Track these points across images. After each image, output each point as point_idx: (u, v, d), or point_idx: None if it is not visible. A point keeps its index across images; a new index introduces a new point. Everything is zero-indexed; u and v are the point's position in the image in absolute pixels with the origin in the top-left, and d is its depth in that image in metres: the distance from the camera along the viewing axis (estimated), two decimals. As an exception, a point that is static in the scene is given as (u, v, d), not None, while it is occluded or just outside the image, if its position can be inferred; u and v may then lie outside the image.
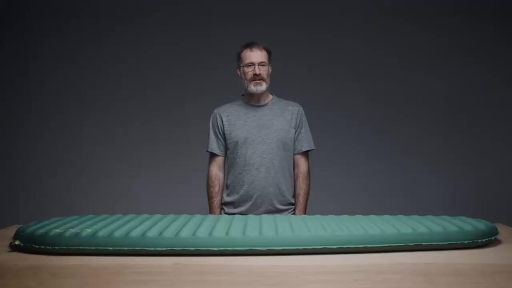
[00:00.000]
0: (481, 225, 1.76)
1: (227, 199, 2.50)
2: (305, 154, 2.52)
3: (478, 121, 4.08)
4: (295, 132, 2.48)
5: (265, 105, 2.49)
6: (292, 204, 2.50)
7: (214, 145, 2.50)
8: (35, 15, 4.17)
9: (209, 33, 4.13)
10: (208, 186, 2.50)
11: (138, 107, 4.15)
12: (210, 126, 2.53)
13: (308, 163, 2.53)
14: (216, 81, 3.99)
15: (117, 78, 4.16)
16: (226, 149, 2.51)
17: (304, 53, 4.11)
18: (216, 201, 2.48)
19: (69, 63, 4.16)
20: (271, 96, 2.54)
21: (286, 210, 2.48)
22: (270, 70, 2.48)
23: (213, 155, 2.51)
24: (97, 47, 4.16)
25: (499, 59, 4.06)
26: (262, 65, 2.41)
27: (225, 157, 2.53)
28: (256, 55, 2.40)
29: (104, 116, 4.15)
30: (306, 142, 2.50)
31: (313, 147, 2.53)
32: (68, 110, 4.16)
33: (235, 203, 2.46)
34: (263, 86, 2.42)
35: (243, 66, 2.43)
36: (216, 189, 2.49)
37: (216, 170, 2.50)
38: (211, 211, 2.48)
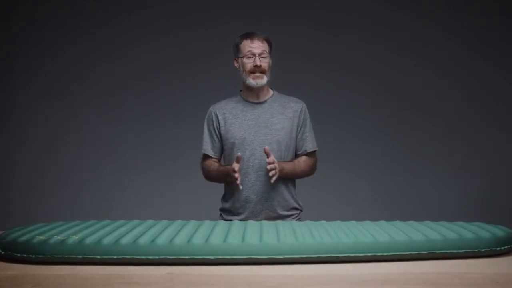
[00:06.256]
0: (499, 231, 1.76)
1: (224, 205, 2.49)
2: (311, 155, 2.50)
3: (491, 122, 4.11)
4: (298, 132, 2.46)
5: (265, 102, 2.46)
6: (296, 209, 2.49)
7: (208, 146, 2.48)
8: (22, 12, 4.18)
9: (206, 30, 4.14)
10: (207, 171, 2.48)
11: (128, 106, 4.16)
12: (205, 125, 2.50)
13: (316, 162, 2.52)
14: (212, 79, 3.99)
15: (106, 78, 4.18)
16: (222, 150, 2.49)
17: (308, 50, 4.13)
18: (220, 166, 2.46)
19: (56, 62, 4.16)
20: (271, 92, 2.50)
21: (290, 216, 2.46)
22: (271, 63, 2.45)
23: (206, 157, 2.50)
24: (85, 45, 4.18)
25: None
26: (263, 57, 2.38)
27: (219, 159, 2.50)
28: (257, 46, 2.38)
29: (91, 116, 4.16)
30: (310, 142, 2.49)
31: (316, 148, 2.51)
32: (55, 110, 4.17)
33: (233, 209, 2.44)
34: (264, 80, 2.39)
35: (242, 57, 2.40)
36: (216, 164, 2.47)
37: None
38: (224, 171, 2.40)
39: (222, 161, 2.52)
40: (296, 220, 2.47)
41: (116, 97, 4.17)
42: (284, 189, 2.44)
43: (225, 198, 2.50)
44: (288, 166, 2.40)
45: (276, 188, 2.41)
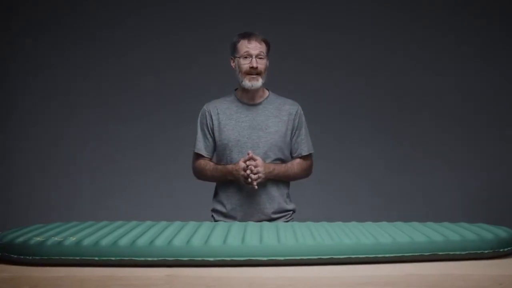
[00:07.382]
0: (502, 232, 1.75)
1: (216, 206, 2.45)
2: (306, 158, 2.46)
3: (491, 122, 4.10)
4: (293, 135, 2.43)
5: (260, 103, 2.43)
6: (288, 211, 2.45)
7: (201, 146, 2.44)
8: (22, 12, 4.16)
9: (206, 30, 4.12)
10: (201, 169, 2.44)
11: (128, 106, 4.15)
12: (198, 123, 2.46)
13: (311, 165, 2.49)
14: (212, 79, 3.96)
15: (106, 78, 4.16)
16: (214, 149, 2.45)
17: (307, 50, 4.11)
18: (216, 164, 2.42)
19: (56, 62, 4.15)
20: (267, 93, 2.47)
21: (282, 217, 2.42)
22: (267, 65, 2.41)
23: (199, 157, 2.46)
24: (85, 45, 4.16)
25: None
26: (260, 58, 2.35)
27: (211, 158, 2.47)
28: (254, 47, 2.35)
29: (91, 116, 4.14)
30: (306, 146, 2.45)
31: (312, 151, 2.48)
32: (55, 110, 4.15)
33: (224, 211, 2.41)
34: (259, 82, 2.36)
35: (239, 58, 2.37)
36: (211, 163, 2.43)
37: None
38: (222, 170, 2.37)
39: (214, 160, 2.48)
40: (289, 220, 2.44)
41: (116, 97, 4.15)
42: (276, 192, 2.40)
43: (217, 199, 2.46)
44: (280, 168, 2.37)
45: (268, 191, 2.38)
